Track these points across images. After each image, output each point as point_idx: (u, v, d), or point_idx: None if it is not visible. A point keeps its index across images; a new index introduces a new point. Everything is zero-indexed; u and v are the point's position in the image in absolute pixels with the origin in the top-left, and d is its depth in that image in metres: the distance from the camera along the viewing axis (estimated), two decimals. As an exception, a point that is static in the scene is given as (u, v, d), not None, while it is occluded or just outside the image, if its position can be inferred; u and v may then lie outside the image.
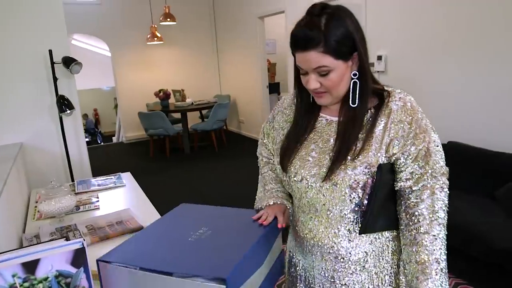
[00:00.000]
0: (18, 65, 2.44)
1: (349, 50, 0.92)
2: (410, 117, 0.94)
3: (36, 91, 2.49)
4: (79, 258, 0.92)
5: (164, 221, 1.19)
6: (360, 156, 0.93)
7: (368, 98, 0.97)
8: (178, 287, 0.89)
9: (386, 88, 1.00)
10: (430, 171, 0.92)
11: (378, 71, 3.69)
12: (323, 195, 0.96)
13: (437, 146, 0.95)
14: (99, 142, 8.59)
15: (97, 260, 0.96)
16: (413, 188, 0.93)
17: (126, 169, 2.58)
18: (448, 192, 0.94)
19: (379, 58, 3.69)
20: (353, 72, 0.96)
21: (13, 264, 0.85)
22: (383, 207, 0.97)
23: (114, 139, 8.20)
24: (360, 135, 0.95)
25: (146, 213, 1.81)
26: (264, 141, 1.22)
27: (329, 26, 0.89)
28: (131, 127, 7.44)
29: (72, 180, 2.59)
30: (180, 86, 7.08)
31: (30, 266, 0.87)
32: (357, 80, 0.96)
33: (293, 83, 1.08)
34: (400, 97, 0.96)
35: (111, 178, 2.34)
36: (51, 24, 2.51)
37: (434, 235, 0.91)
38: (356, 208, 0.97)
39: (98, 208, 1.92)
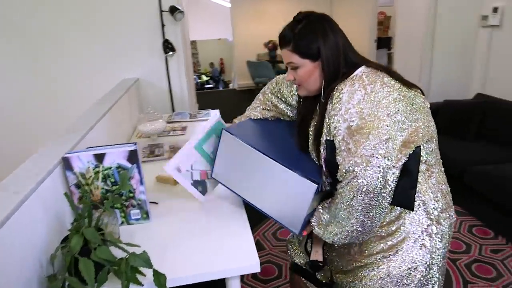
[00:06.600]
0: (138, 13, 2.91)
1: (315, 52, 1.08)
2: (339, 110, 1.03)
3: (150, 36, 2.95)
4: (133, 157, 1.24)
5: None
6: (321, 139, 1.12)
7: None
8: (280, 174, 1.16)
9: (350, 77, 1.07)
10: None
11: (492, 25, 3.24)
12: None
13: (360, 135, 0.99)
14: (219, 88, 9.33)
15: (223, 129, 1.27)
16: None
17: (227, 111, 2.89)
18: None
19: (495, 10, 3.21)
20: None
21: (88, 154, 1.22)
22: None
23: (230, 86, 8.88)
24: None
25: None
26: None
27: (301, 31, 1.08)
28: (243, 75, 7.93)
29: (173, 110, 3.08)
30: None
31: (99, 157, 1.23)
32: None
33: None
34: (342, 88, 1.04)
35: (201, 113, 2.75)
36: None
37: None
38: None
39: (183, 134, 2.35)
